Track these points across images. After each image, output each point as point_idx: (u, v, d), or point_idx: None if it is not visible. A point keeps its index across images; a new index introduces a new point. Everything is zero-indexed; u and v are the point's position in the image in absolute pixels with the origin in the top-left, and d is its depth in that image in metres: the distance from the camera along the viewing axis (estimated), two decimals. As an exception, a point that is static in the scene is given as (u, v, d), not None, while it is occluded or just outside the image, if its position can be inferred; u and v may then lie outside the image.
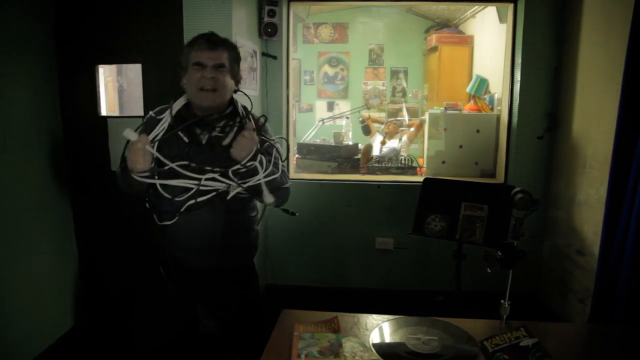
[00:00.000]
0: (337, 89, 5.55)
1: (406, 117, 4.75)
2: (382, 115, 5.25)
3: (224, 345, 1.85)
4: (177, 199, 1.53)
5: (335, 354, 1.27)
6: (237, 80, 1.71)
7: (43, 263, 2.44)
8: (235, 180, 1.52)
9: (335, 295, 3.24)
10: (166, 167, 1.51)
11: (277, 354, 1.29)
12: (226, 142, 1.59)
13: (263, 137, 1.62)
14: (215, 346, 1.87)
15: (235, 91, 1.72)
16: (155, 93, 2.57)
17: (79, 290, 2.74)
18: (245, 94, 1.74)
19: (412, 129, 4.28)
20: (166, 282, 1.67)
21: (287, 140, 1.76)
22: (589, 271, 2.52)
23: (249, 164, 1.52)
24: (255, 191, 1.58)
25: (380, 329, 1.43)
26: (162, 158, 1.51)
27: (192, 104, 1.65)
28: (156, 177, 1.51)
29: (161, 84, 2.55)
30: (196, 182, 1.51)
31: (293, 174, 3.38)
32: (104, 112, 2.74)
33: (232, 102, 1.73)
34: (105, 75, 3.22)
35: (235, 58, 1.68)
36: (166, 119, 1.60)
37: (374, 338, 1.38)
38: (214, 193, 1.55)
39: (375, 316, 1.52)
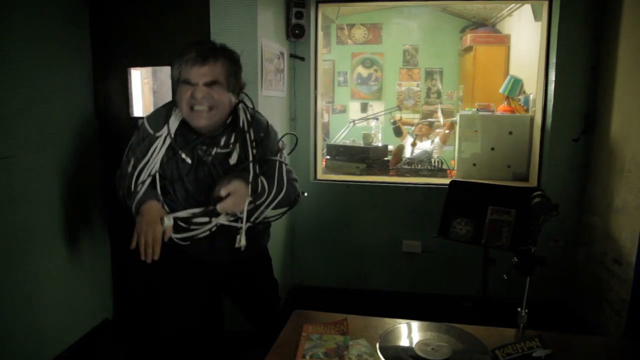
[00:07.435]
0: (370, 90, 5.51)
1: (441, 119, 4.67)
2: (413, 117, 5.18)
3: (252, 341, 1.87)
4: (190, 233, 1.52)
5: (339, 356, 1.26)
6: (237, 92, 1.56)
7: (77, 257, 2.55)
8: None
9: (361, 298, 3.22)
10: (176, 215, 1.50)
11: (282, 355, 1.29)
12: (233, 160, 1.54)
13: (263, 156, 1.56)
14: (241, 343, 1.89)
15: (237, 103, 1.58)
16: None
17: (111, 284, 2.85)
18: (248, 96, 1.62)
19: (446, 131, 4.20)
20: (184, 271, 1.71)
21: (296, 136, 1.75)
22: (625, 281, 2.39)
23: (249, 207, 1.49)
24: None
25: (389, 332, 1.41)
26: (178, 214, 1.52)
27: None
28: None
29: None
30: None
31: (321, 174, 3.38)
32: (140, 113, 2.83)
33: (234, 110, 1.59)
34: (142, 77, 3.33)
35: (232, 69, 1.51)
36: (165, 141, 1.52)
37: (382, 342, 1.36)
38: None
39: (387, 320, 1.50)
